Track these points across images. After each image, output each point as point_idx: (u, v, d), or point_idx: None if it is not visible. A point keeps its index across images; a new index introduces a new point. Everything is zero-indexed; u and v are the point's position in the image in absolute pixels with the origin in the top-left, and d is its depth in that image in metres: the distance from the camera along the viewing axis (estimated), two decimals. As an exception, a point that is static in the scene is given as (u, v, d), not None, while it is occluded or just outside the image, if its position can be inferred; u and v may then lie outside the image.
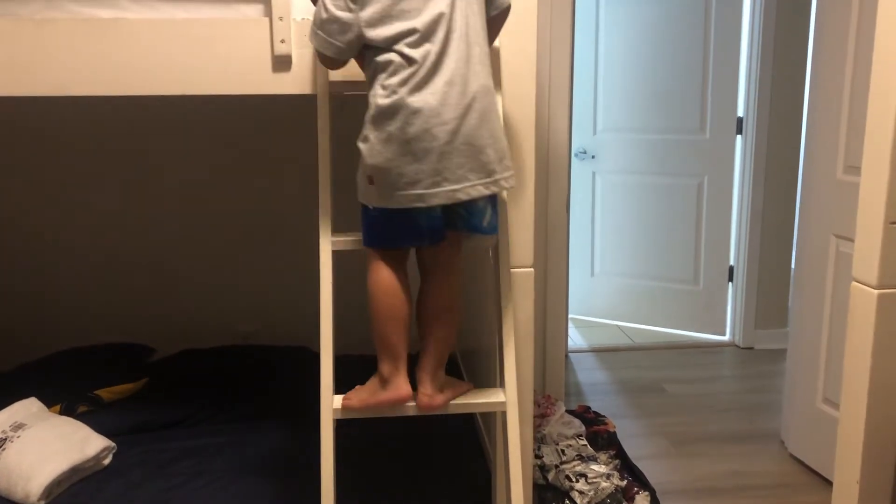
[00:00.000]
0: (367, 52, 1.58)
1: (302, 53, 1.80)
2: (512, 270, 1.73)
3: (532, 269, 1.86)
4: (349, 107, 1.83)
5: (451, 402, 1.69)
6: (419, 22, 1.51)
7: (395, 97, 1.51)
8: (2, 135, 2.70)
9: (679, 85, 3.93)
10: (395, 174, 1.52)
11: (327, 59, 1.62)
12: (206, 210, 2.87)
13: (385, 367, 1.63)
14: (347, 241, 1.69)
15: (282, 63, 1.80)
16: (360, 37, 1.54)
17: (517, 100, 1.82)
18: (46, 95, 1.79)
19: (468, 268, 2.04)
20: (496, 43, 1.79)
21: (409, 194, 1.52)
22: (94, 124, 2.69)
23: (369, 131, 1.54)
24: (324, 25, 1.57)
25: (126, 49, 1.77)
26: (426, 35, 1.51)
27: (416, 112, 1.49)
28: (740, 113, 3.85)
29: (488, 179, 1.56)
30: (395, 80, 1.51)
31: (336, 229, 1.73)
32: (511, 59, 1.81)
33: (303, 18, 1.79)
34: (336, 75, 1.75)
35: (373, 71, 1.56)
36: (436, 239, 1.62)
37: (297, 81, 1.81)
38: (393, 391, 1.62)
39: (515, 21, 1.80)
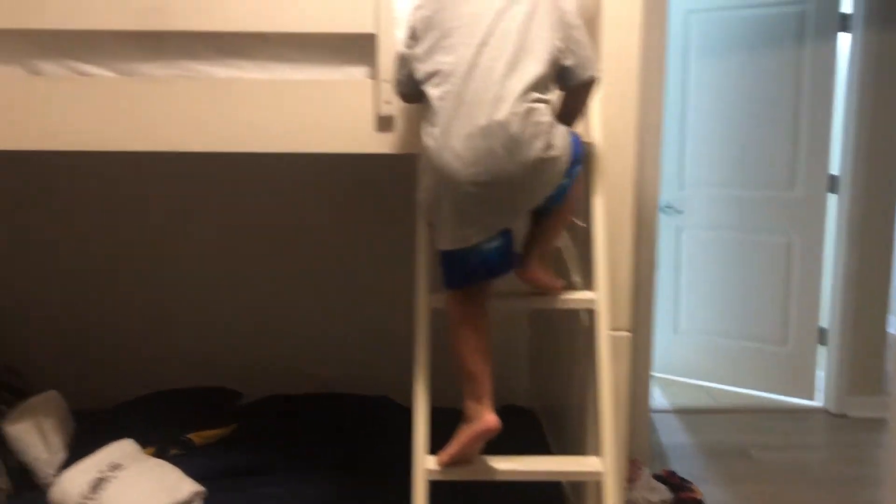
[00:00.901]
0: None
1: (406, 115, 1.84)
2: (610, 333, 1.71)
3: (630, 334, 1.83)
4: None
5: (537, 470, 1.69)
6: (448, 62, 1.54)
7: (423, 142, 1.56)
8: (101, 180, 2.81)
9: (768, 140, 3.84)
10: (435, 217, 1.59)
11: (399, 94, 1.73)
12: (295, 260, 2.92)
13: (469, 403, 1.62)
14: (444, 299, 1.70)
15: (385, 123, 1.85)
16: (413, 71, 1.61)
17: (617, 162, 1.82)
18: (166, 151, 1.88)
19: (557, 329, 2.03)
20: (597, 113, 1.79)
21: (450, 236, 1.57)
22: (194, 174, 2.77)
23: (419, 177, 1.61)
24: (395, 63, 1.70)
25: (240, 107, 1.85)
26: (449, 74, 1.53)
27: (437, 155, 1.52)
28: (834, 171, 3.74)
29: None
30: (426, 123, 1.57)
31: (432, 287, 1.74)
32: (612, 121, 1.81)
33: (406, 80, 1.85)
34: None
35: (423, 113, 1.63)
36: (495, 273, 1.63)
37: (399, 141, 1.86)
38: (480, 423, 1.59)
39: (616, 84, 1.81)
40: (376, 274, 2.85)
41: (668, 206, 4.13)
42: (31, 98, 1.86)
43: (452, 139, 1.50)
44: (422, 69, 1.58)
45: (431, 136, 1.54)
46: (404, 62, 1.65)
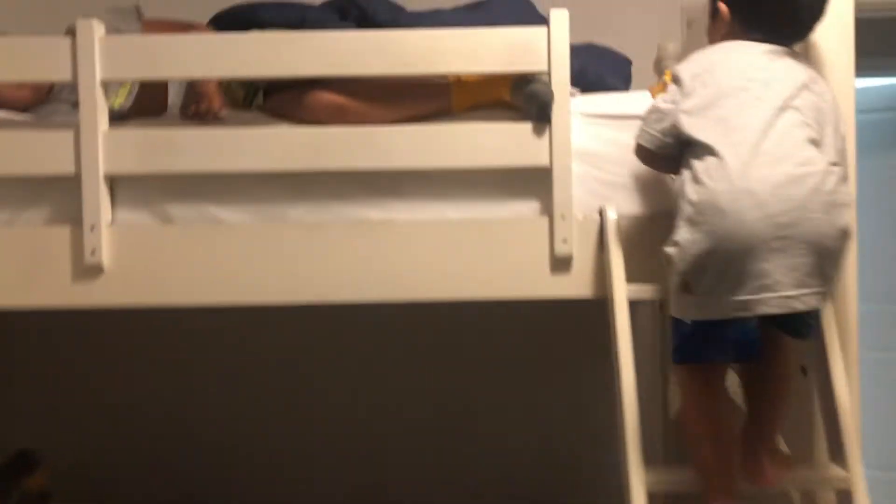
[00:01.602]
0: (684, 152, 1.47)
1: (584, 254, 1.62)
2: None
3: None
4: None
5: None
6: (733, 115, 1.41)
7: (708, 189, 1.37)
8: (211, 328, 2.55)
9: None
10: (698, 280, 1.36)
11: (640, 148, 1.56)
12: (416, 408, 2.63)
13: (713, 495, 1.42)
14: (667, 480, 1.41)
15: (561, 264, 1.63)
16: (674, 126, 1.47)
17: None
18: (314, 303, 1.66)
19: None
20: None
21: (730, 301, 1.34)
22: (309, 322, 2.50)
23: (682, 232, 1.39)
24: (646, 116, 1.55)
25: (396, 252, 1.64)
26: (740, 128, 1.39)
27: (729, 202, 1.33)
28: None
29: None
30: (709, 172, 1.38)
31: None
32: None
33: (584, 216, 1.64)
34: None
35: (686, 168, 1.44)
36: (746, 355, 1.43)
37: (578, 284, 1.63)
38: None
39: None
40: (510, 422, 2.57)
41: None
42: (161, 249, 1.66)
43: (753, 184, 1.33)
44: (691, 122, 1.45)
45: (713, 183, 1.36)
46: (665, 116, 1.50)
